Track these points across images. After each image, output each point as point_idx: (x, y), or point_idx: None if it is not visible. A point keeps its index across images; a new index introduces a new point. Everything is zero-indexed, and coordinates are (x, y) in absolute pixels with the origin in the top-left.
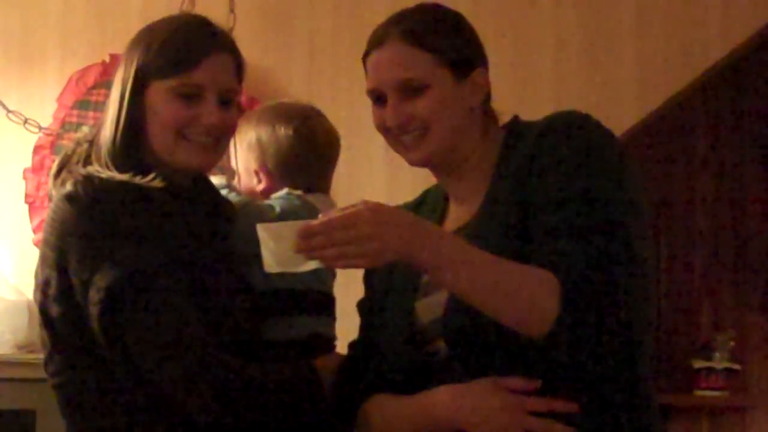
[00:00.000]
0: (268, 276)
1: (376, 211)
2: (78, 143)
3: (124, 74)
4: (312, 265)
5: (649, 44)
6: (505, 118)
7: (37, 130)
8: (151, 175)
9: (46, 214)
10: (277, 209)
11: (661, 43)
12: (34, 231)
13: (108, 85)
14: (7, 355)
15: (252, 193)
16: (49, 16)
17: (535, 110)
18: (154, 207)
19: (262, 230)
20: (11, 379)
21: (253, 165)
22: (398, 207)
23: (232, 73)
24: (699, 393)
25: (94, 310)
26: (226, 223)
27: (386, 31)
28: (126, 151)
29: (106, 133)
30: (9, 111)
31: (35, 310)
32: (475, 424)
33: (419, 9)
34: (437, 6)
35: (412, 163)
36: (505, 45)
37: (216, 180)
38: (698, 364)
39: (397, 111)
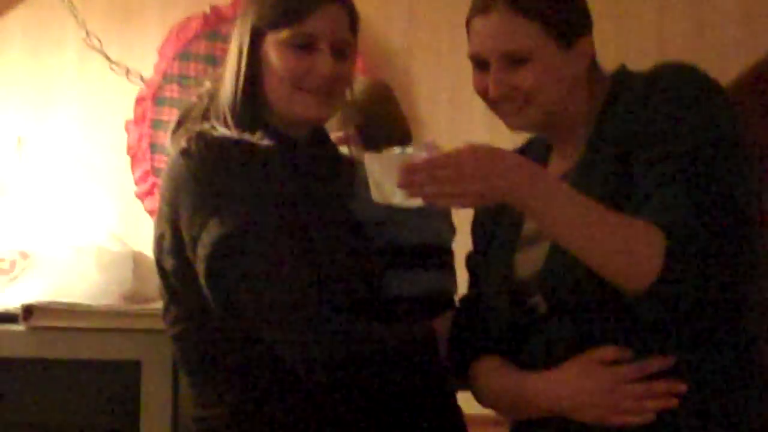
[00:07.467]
0: (386, 232)
1: (480, 151)
2: (200, 98)
3: (240, 29)
4: (415, 202)
5: None
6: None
7: (139, 80)
8: (258, 134)
9: (146, 165)
10: None
11: None
12: (136, 183)
13: (208, 37)
14: (112, 306)
15: None
16: None
17: (638, 63)
18: (266, 165)
19: (370, 160)
20: (117, 330)
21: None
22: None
23: (345, 24)
24: None
25: (201, 266)
26: (344, 180)
27: None
28: (246, 106)
29: (227, 88)
30: (112, 62)
31: (140, 260)
32: (574, 410)
33: None
34: None
35: (512, 128)
36: None
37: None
38: None
39: (500, 81)
